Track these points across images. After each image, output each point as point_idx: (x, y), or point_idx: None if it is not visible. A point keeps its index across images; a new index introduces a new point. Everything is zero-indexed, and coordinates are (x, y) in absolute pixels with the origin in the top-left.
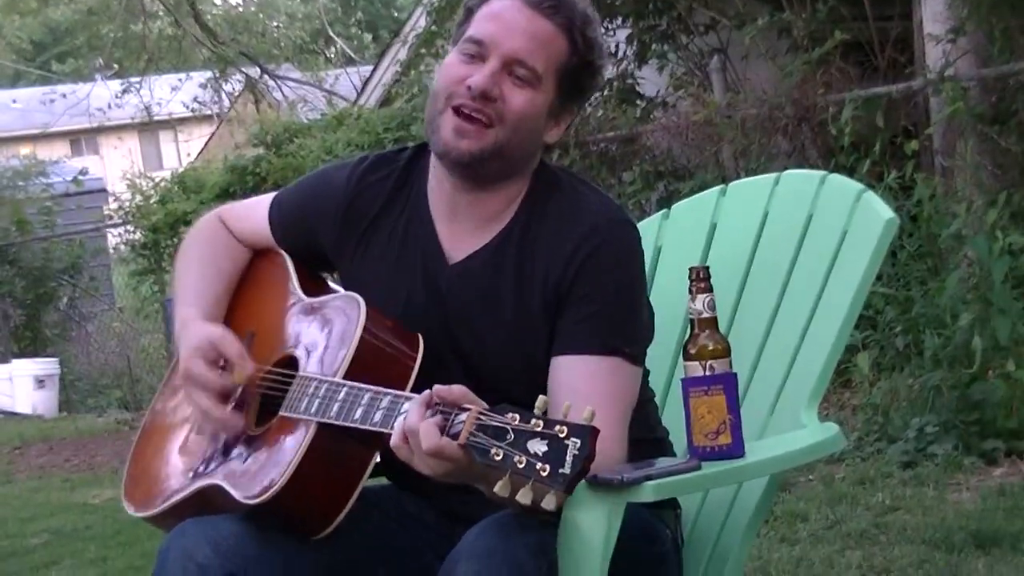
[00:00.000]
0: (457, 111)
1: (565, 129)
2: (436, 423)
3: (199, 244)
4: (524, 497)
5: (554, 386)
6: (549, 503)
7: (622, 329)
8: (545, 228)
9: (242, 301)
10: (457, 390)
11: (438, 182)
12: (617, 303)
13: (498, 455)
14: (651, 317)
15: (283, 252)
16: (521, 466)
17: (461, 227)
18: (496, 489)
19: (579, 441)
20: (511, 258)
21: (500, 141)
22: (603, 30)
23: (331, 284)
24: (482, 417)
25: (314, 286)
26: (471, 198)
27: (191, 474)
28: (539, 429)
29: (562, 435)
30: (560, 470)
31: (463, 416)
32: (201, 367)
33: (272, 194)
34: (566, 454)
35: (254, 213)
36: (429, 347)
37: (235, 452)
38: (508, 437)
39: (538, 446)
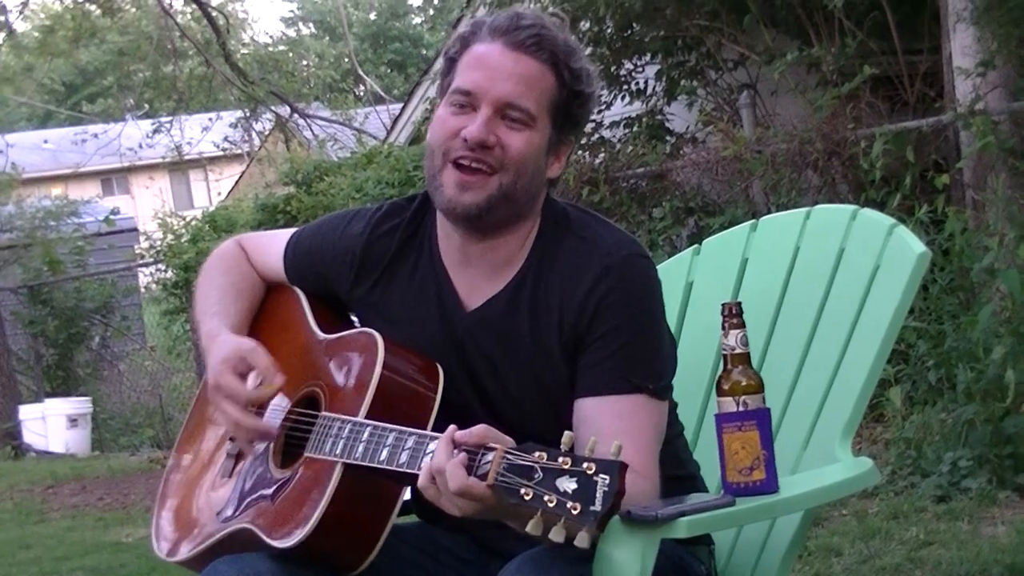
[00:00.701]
0: (457, 164)
1: (566, 160)
2: (462, 462)
3: (220, 268)
4: (557, 536)
5: (579, 427)
6: (582, 541)
7: (644, 366)
8: (558, 269)
9: (258, 337)
10: (478, 430)
11: (447, 234)
12: (637, 340)
13: (528, 494)
14: (673, 346)
15: (296, 289)
16: (552, 505)
17: (475, 273)
18: (528, 528)
19: (608, 477)
20: (526, 302)
21: (505, 186)
22: (587, 51)
23: (347, 319)
24: (509, 456)
25: (329, 322)
26: (482, 246)
27: (220, 518)
28: (567, 467)
29: (590, 472)
30: (591, 507)
31: (490, 456)
32: (230, 378)
33: (290, 231)
34: (596, 491)
35: (271, 248)
36: (450, 390)
37: (263, 494)
38: (536, 476)
39: (567, 484)
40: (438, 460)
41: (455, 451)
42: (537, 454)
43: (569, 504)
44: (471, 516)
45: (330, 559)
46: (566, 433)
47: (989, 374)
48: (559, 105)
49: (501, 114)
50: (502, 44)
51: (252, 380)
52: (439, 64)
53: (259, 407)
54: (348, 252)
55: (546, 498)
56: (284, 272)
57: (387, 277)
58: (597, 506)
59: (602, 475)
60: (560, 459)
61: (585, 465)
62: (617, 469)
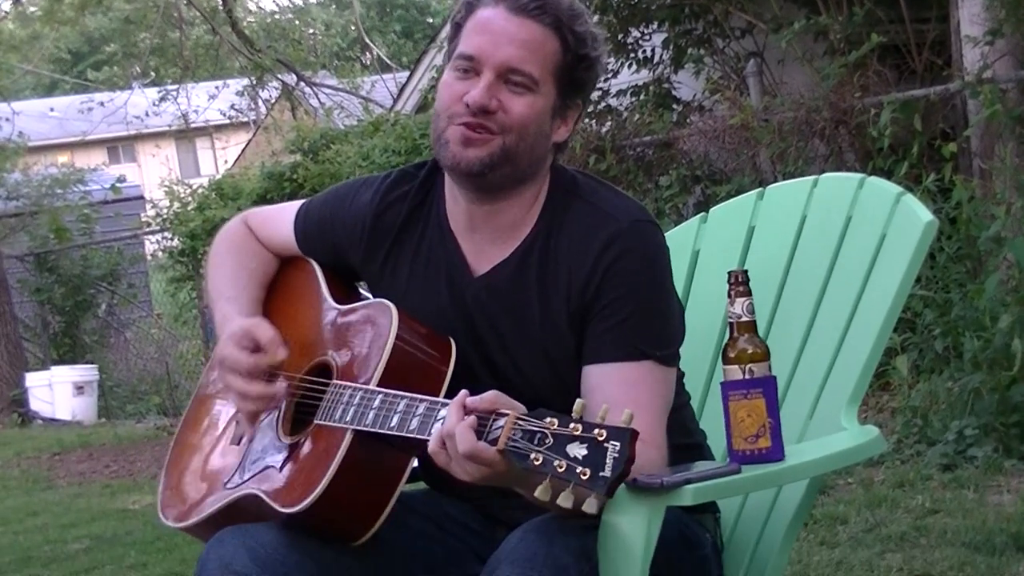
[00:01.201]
0: (462, 126)
1: (575, 124)
2: (472, 426)
3: (228, 250)
4: (565, 501)
5: (587, 395)
6: (591, 506)
7: (651, 333)
8: (566, 235)
9: (273, 310)
10: (490, 396)
11: (454, 197)
12: (644, 308)
13: (537, 460)
14: (681, 314)
15: (311, 260)
16: (561, 470)
17: (482, 239)
18: (537, 493)
19: (619, 444)
20: (534, 268)
21: (507, 147)
22: (593, 18)
23: (361, 291)
24: (520, 422)
25: (344, 293)
26: (488, 209)
27: (227, 484)
28: (578, 433)
29: (601, 438)
30: (601, 473)
31: (501, 421)
32: (233, 351)
33: (298, 202)
34: (606, 457)
35: (280, 220)
36: (459, 357)
37: (271, 461)
38: (547, 441)
39: (578, 450)
40: (449, 424)
41: (466, 416)
42: (548, 420)
43: (579, 469)
44: (480, 482)
45: (336, 527)
46: (578, 401)
47: (996, 343)
48: (564, 69)
49: (504, 79)
50: (505, 8)
51: (259, 356)
52: (446, 31)
53: (268, 377)
54: (359, 221)
55: (556, 463)
56: (296, 243)
57: (398, 245)
58: (607, 471)
59: (613, 441)
60: (571, 425)
61: (596, 431)
62: (628, 436)
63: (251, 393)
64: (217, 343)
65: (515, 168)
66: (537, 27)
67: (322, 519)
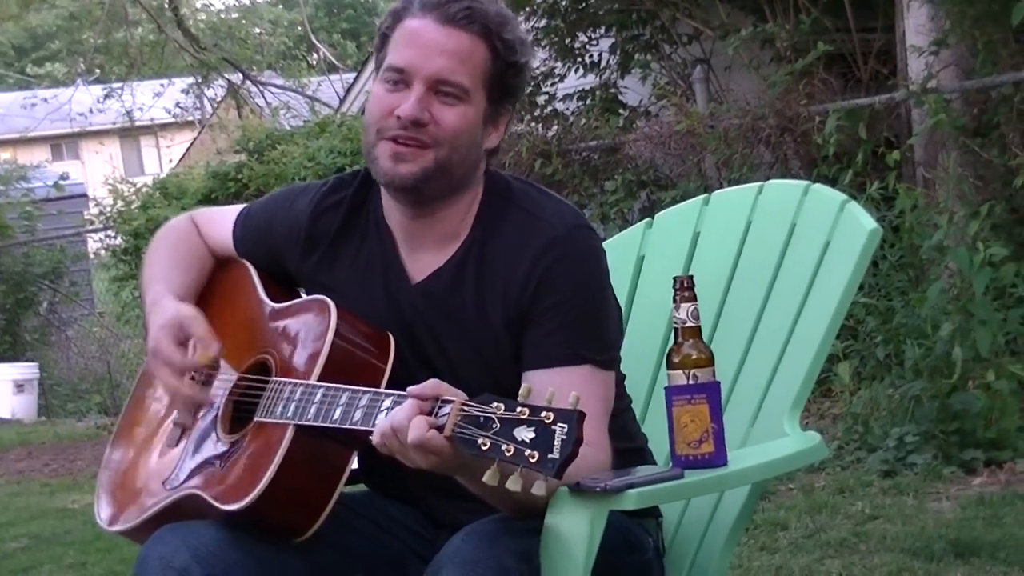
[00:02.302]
0: (392, 141)
1: (505, 129)
2: (423, 415)
3: (170, 240)
4: (514, 484)
5: None
6: (539, 489)
7: (590, 337)
8: (502, 242)
9: (208, 310)
10: (431, 384)
11: (390, 207)
12: (582, 312)
13: (485, 444)
14: (619, 316)
15: (246, 262)
16: (509, 454)
17: (420, 247)
18: (485, 478)
19: (566, 426)
20: (471, 275)
21: (440, 159)
22: (521, 22)
23: (296, 294)
24: (466, 408)
25: (280, 293)
26: (424, 219)
27: (167, 485)
28: (525, 416)
29: (548, 421)
30: (549, 455)
31: (447, 408)
32: (168, 345)
33: (241, 205)
34: (554, 439)
35: (222, 223)
36: (397, 365)
37: (211, 460)
38: (494, 426)
39: (525, 433)
40: (399, 414)
41: (415, 405)
42: (494, 405)
43: (527, 452)
44: (427, 469)
45: (278, 524)
46: (524, 386)
47: (937, 351)
48: (494, 77)
49: (434, 90)
50: (433, 19)
51: (191, 349)
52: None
53: (204, 376)
54: (295, 227)
55: (504, 447)
56: (234, 247)
57: (333, 251)
58: (555, 453)
59: (560, 423)
60: (518, 409)
61: (543, 414)
62: (576, 418)
63: (182, 392)
64: (148, 328)
65: (450, 179)
66: (466, 36)
67: (265, 516)
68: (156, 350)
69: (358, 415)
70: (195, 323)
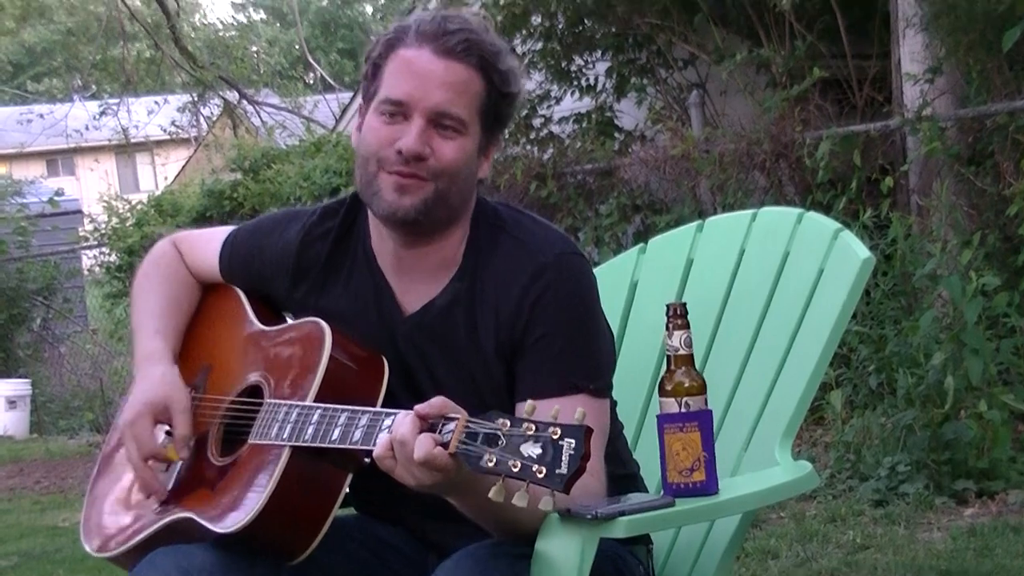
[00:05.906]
0: (396, 174)
1: (492, 158)
2: (428, 432)
3: (157, 275)
4: (520, 500)
5: None
6: (547, 504)
7: (583, 366)
8: (493, 271)
9: (196, 334)
10: (437, 401)
11: (380, 237)
12: (574, 340)
13: (491, 461)
14: (611, 343)
15: (234, 287)
16: (516, 470)
17: (412, 277)
18: (491, 495)
19: (574, 441)
20: (463, 305)
21: (440, 191)
22: (517, 45)
23: (284, 319)
24: (471, 424)
25: (269, 317)
26: (417, 251)
27: (157, 509)
28: (532, 432)
29: (556, 436)
30: (557, 471)
31: (451, 424)
32: (145, 425)
33: (227, 229)
34: (562, 454)
35: (208, 249)
36: (389, 394)
37: (203, 482)
38: (500, 442)
39: (531, 448)
40: (404, 430)
41: (420, 423)
42: (500, 421)
43: (535, 468)
44: (426, 489)
45: (273, 546)
46: (528, 402)
47: (929, 380)
48: (488, 107)
49: (434, 123)
50: (431, 51)
51: (165, 436)
52: (364, 68)
53: (166, 466)
54: (285, 256)
55: (510, 463)
56: (219, 273)
57: (321, 281)
58: (563, 468)
59: (568, 439)
60: (524, 425)
61: (551, 430)
62: (583, 433)
63: (140, 474)
64: (136, 383)
65: (449, 211)
66: (463, 68)
67: (260, 538)
68: (133, 423)
69: (358, 434)
70: (180, 418)
